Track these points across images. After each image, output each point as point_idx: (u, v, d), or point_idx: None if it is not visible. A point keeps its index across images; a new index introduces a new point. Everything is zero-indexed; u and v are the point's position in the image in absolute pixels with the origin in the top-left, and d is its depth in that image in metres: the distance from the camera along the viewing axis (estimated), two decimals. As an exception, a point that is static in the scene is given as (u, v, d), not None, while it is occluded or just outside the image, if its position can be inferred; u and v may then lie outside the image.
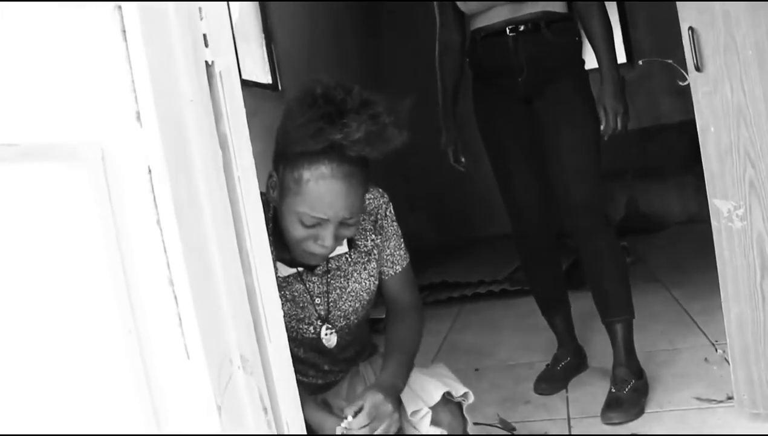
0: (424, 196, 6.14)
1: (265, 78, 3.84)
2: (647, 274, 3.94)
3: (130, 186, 0.94)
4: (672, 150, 5.71)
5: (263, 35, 3.87)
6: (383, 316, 1.65)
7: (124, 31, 0.94)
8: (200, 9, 1.07)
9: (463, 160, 2.36)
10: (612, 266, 2.28)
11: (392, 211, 1.57)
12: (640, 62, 2.02)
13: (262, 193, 1.35)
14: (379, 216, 1.55)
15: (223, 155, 1.07)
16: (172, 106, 0.97)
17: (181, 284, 0.95)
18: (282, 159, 1.37)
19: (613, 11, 5.90)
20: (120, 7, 0.94)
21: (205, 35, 1.07)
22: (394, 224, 1.57)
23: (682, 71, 1.65)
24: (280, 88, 3.90)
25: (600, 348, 2.68)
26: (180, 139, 0.97)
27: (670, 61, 1.71)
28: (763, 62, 1.55)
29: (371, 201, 1.54)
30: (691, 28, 1.58)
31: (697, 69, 1.60)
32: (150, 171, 0.94)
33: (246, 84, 3.51)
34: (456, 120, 2.39)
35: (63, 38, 0.94)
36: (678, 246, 4.73)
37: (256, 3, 3.86)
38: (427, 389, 1.43)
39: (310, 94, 1.32)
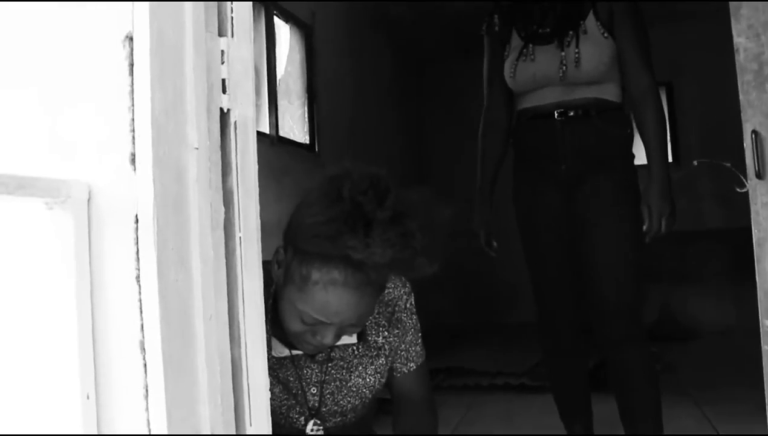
0: (450, 273, 5.99)
1: (303, 138, 3.79)
2: (677, 386, 3.73)
3: (114, 234, 0.85)
4: (712, 256, 5.54)
5: (306, 94, 3.84)
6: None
7: (132, 65, 0.85)
8: (223, 52, 0.99)
9: (495, 244, 2.24)
10: (642, 378, 2.11)
11: (413, 302, 1.40)
12: (695, 163, 1.89)
13: (267, 263, 1.23)
14: (397, 308, 1.39)
15: (225, 213, 0.97)
16: (172, 152, 0.87)
17: (153, 350, 0.83)
18: (292, 244, 1.21)
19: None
20: (131, 39, 0.86)
21: (224, 80, 0.99)
22: (414, 317, 1.41)
23: (741, 177, 1.53)
24: (317, 149, 3.84)
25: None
26: (177, 189, 0.88)
27: (728, 164, 1.58)
28: (830, 177, 1.43)
29: (390, 291, 1.37)
30: (754, 132, 1.47)
31: (759, 176, 1.48)
32: (137, 220, 0.84)
33: (282, 141, 3.46)
34: (491, 202, 2.27)
35: (64, 63, 0.87)
36: (712, 358, 4.51)
37: (303, 60, 3.85)
38: None
39: (336, 189, 1.13)
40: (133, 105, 0.85)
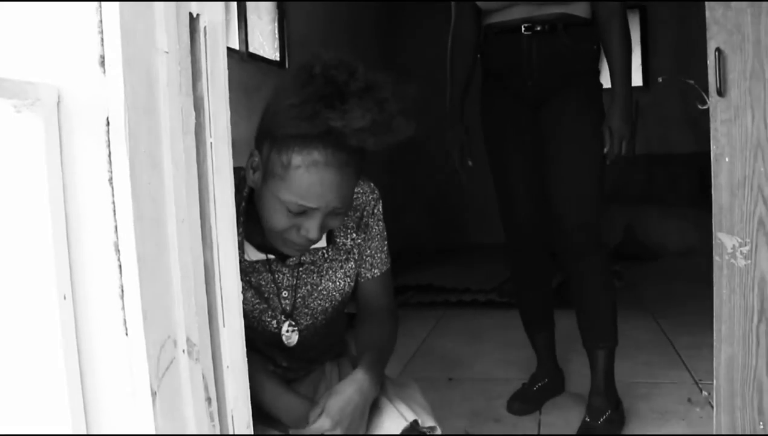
0: (421, 195, 6.05)
1: (273, 54, 3.74)
2: (636, 302, 3.86)
3: (85, 137, 0.85)
4: (678, 180, 5.64)
5: (277, 11, 3.77)
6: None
7: (99, -35, 0.84)
8: (191, -45, 0.98)
9: (470, 163, 2.25)
10: (599, 290, 2.18)
11: (381, 209, 1.42)
12: (660, 79, 1.92)
13: (239, 169, 1.24)
14: (365, 213, 1.40)
15: (196, 117, 0.97)
16: (142, 55, 0.87)
17: (128, 252, 0.85)
18: (268, 139, 1.22)
19: (635, 33, 5.82)
20: (96, -63, 0.84)
21: (192, -16, 0.98)
22: (380, 223, 1.43)
23: (703, 94, 1.55)
24: (287, 66, 3.79)
25: (579, 372, 2.59)
26: (147, 92, 0.88)
27: (691, 81, 1.61)
28: (790, 95, 1.46)
29: (359, 196, 1.39)
30: (718, 50, 1.49)
31: (719, 94, 1.51)
32: (108, 123, 0.84)
33: (252, 57, 3.41)
34: (464, 119, 2.28)
35: (29, -36, 0.85)
36: (671, 277, 4.65)
37: (273, -24, 3.76)
38: (391, 415, 1.32)
39: (307, 70, 1.16)
40: (100, 6, 0.84)
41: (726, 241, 1.57)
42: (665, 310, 3.62)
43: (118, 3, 0.84)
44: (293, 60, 3.83)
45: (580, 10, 2.09)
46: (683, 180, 5.64)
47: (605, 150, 2.05)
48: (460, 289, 4.00)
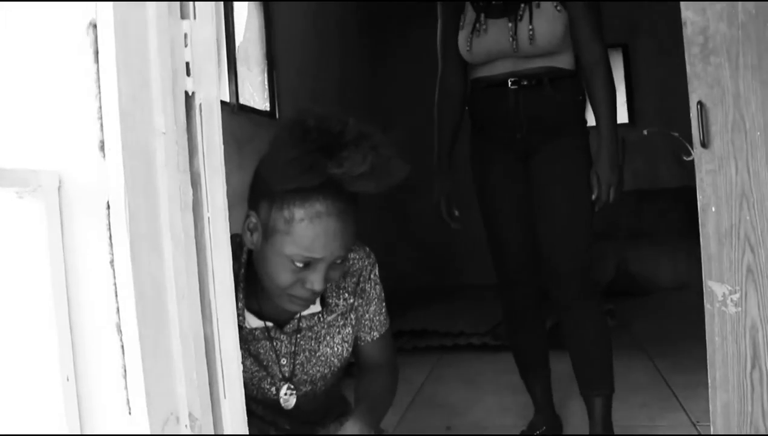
0: (413, 235, 6.06)
1: (264, 105, 3.78)
2: (631, 341, 3.86)
3: (86, 221, 0.87)
4: (667, 215, 5.69)
5: (266, 61, 3.82)
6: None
7: (97, 52, 0.87)
8: (186, 35, 1.01)
9: (456, 213, 2.28)
10: (594, 337, 2.19)
11: (377, 273, 1.45)
12: (645, 132, 1.93)
13: (235, 236, 1.25)
14: (362, 278, 1.43)
15: (193, 194, 1.00)
16: (140, 138, 0.90)
17: (130, 331, 0.87)
18: (266, 197, 1.25)
19: (618, 71, 5.92)
20: (95, 26, 0.87)
21: (188, 63, 1.00)
22: (378, 287, 1.45)
23: (688, 145, 1.59)
24: (277, 116, 3.84)
25: (577, 414, 2.58)
26: (146, 174, 0.90)
27: (675, 133, 1.65)
28: (772, 145, 1.49)
29: (355, 262, 1.42)
30: (700, 103, 1.53)
31: (703, 145, 1.54)
32: (109, 206, 0.86)
33: (243, 109, 3.45)
34: (451, 171, 2.30)
35: (30, 52, 0.87)
36: (665, 313, 4.66)
37: (262, 27, 3.82)
38: None
39: (300, 125, 1.20)
40: (99, 92, 0.87)
41: (716, 289, 1.59)
42: (660, 348, 3.62)
43: (116, 88, 0.86)
44: (283, 110, 3.88)
45: (565, 62, 2.13)
46: (672, 214, 5.69)
47: (594, 196, 2.08)
48: (454, 332, 4.00)
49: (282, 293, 1.26)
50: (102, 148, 0.86)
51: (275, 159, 1.23)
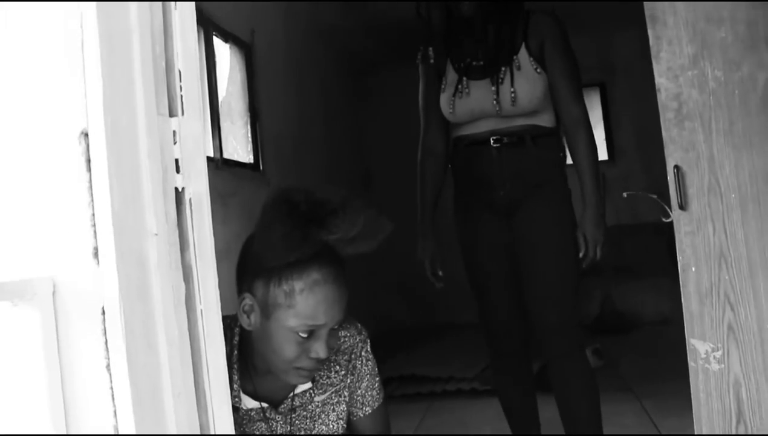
0: (398, 277, 6.07)
1: (248, 157, 3.81)
2: (619, 381, 3.88)
3: (82, 326, 0.88)
4: (649, 249, 5.74)
5: (249, 113, 3.86)
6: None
7: (89, 161, 0.89)
8: (174, 132, 1.03)
9: (440, 274, 2.30)
10: (582, 394, 2.20)
11: (369, 349, 1.48)
12: (625, 195, 1.97)
13: (225, 318, 1.27)
14: (353, 355, 1.46)
15: (186, 288, 1.01)
16: (133, 242, 0.91)
17: (128, 433, 0.88)
18: (261, 276, 1.29)
19: (597, 109, 6.02)
20: (86, 134, 0.89)
21: (177, 160, 1.03)
22: (370, 363, 1.48)
23: (666, 207, 1.63)
24: (261, 168, 3.86)
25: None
26: (139, 276, 0.92)
27: (654, 196, 1.69)
28: (746, 206, 1.54)
29: (346, 339, 1.45)
30: (676, 167, 1.57)
31: (681, 207, 1.58)
32: (104, 312, 0.88)
33: (227, 163, 3.48)
34: (435, 230, 2.31)
35: (23, 163, 0.90)
36: (651, 349, 4.68)
37: (244, 79, 3.86)
38: None
39: (286, 201, 1.25)
40: (92, 200, 0.89)
41: (699, 347, 1.62)
42: (647, 388, 3.64)
43: (108, 194, 0.89)
44: (266, 161, 3.90)
45: (546, 120, 2.17)
46: (653, 248, 5.75)
47: (581, 254, 2.11)
48: (443, 378, 4.00)
49: (288, 367, 1.30)
50: (96, 254, 0.88)
51: (267, 237, 1.27)
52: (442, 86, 2.21)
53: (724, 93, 1.54)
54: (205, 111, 3.21)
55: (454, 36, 2.22)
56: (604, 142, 6.00)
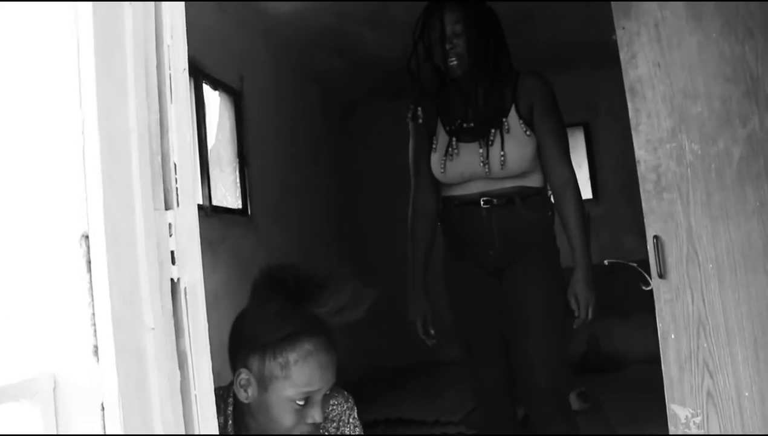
0: (382, 316, 6.09)
1: (236, 203, 3.84)
2: (605, 424, 3.90)
3: (82, 420, 0.91)
4: (633, 288, 5.77)
5: (237, 160, 3.90)
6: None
7: (89, 262, 0.92)
8: (170, 225, 1.07)
9: (432, 332, 2.31)
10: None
11: (356, 416, 1.54)
12: (606, 262, 2.01)
13: (218, 389, 1.31)
14: (341, 423, 1.52)
15: (180, 375, 1.04)
16: (132, 338, 0.95)
17: None
18: (256, 351, 1.36)
19: (581, 149, 6.11)
20: (87, 237, 0.93)
21: (172, 252, 1.06)
22: (357, 429, 1.53)
23: (646, 275, 1.68)
24: (250, 213, 3.90)
25: None
26: (137, 371, 0.95)
27: (634, 264, 1.74)
28: (723, 276, 1.59)
29: (335, 407, 1.51)
30: (656, 237, 1.62)
31: (660, 276, 1.63)
32: (103, 408, 0.91)
33: (216, 210, 3.51)
34: (426, 289, 2.33)
35: (25, 265, 0.93)
36: (636, 390, 4.69)
37: (233, 127, 3.90)
38: None
39: (273, 280, 1.35)
40: (92, 300, 0.92)
41: (679, 412, 1.66)
42: (632, 430, 3.65)
43: (108, 294, 0.92)
44: (255, 206, 3.94)
45: (534, 181, 2.21)
46: (638, 286, 5.79)
47: (575, 316, 2.14)
48: (429, 422, 4.01)
49: (287, 435, 1.36)
50: (96, 352, 0.91)
51: (260, 315, 1.36)
52: (434, 146, 2.24)
53: (701, 166, 1.59)
54: (195, 161, 3.25)
55: (444, 95, 2.26)
56: (588, 181, 6.07)
